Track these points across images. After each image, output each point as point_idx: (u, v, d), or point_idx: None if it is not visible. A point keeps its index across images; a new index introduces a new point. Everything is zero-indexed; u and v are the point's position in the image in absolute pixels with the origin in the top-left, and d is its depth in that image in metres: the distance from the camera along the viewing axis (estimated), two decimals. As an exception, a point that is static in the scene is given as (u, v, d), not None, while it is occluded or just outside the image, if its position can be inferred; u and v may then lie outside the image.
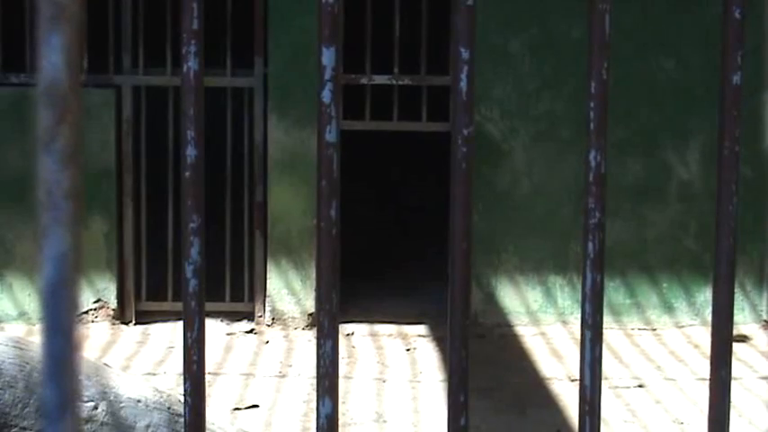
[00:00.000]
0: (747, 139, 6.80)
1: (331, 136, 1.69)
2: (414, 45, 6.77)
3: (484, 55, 6.77)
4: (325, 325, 1.73)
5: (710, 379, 1.76)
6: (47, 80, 0.87)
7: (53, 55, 0.85)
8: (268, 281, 6.82)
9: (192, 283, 1.72)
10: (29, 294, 6.82)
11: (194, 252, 1.73)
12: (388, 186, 9.95)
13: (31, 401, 4.13)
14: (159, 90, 6.84)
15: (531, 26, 6.79)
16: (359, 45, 6.73)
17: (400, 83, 6.79)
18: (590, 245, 1.72)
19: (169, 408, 4.43)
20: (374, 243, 8.67)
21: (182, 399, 4.80)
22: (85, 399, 4.15)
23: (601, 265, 1.73)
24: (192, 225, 1.71)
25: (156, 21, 6.94)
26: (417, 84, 6.80)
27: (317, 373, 1.73)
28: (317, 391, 1.73)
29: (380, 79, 6.80)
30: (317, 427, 1.75)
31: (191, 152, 1.70)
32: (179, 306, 6.94)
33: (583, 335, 1.73)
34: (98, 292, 6.82)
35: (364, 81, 6.78)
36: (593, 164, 1.72)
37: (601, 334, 1.73)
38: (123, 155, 6.83)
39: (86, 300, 6.82)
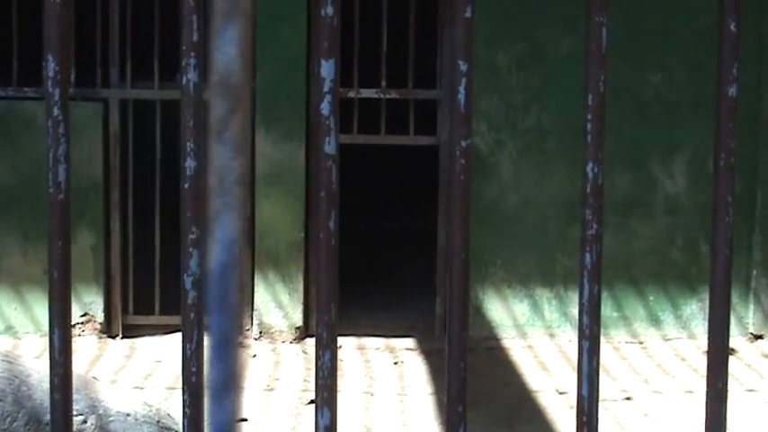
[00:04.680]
0: (736, 154, 6.84)
1: (330, 148, 1.70)
2: (401, 59, 6.78)
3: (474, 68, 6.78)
4: (324, 336, 1.73)
5: (707, 392, 1.77)
6: (221, 71, 0.89)
7: (227, 47, 0.87)
8: (255, 294, 6.82)
9: (191, 294, 1.73)
10: (15, 308, 6.80)
11: (193, 263, 1.73)
12: (373, 199, 9.96)
13: (20, 415, 4.12)
14: (146, 103, 6.83)
15: (518, 40, 6.81)
16: (346, 59, 6.73)
17: (388, 96, 6.80)
18: (587, 256, 1.73)
19: (158, 421, 4.43)
20: (361, 256, 8.68)
21: (170, 412, 4.79)
22: (75, 412, 4.13)
23: (598, 276, 1.74)
24: (191, 236, 1.71)
25: (144, 35, 6.94)
26: (404, 97, 6.81)
27: (316, 384, 1.74)
28: (316, 401, 1.73)
29: (368, 93, 6.81)
30: (315, 439, 1.75)
31: (190, 164, 1.71)
32: (166, 320, 6.95)
33: (580, 346, 1.73)
34: (85, 306, 6.81)
35: (352, 95, 6.79)
36: (590, 175, 1.72)
37: (598, 345, 1.74)
38: (111, 168, 6.82)
39: (74, 314, 6.80)
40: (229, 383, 0.91)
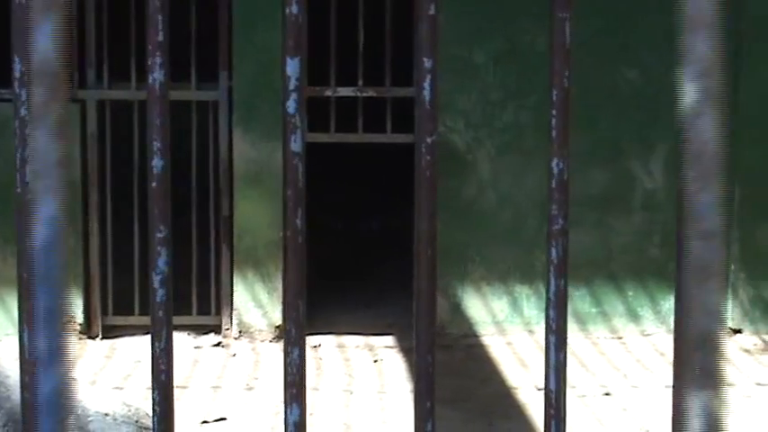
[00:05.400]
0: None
1: (296, 145, 1.71)
2: (378, 57, 6.79)
3: (448, 65, 6.80)
4: (292, 333, 1.74)
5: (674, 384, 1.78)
6: (39, 61, 0.93)
7: (44, 39, 0.92)
8: (235, 294, 6.82)
9: (160, 293, 1.73)
10: (-6, 310, 6.78)
11: (161, 262, 1.74)
12: (353, 199, 9.97)
13: (-2, 415, 4.11)
14: (124, 104, 6.83)
15: (495, 37, 6.83)
16: (323, 57, 6.75)
17: (365, 95, 6.81)
18: (553, 251, 1.74)
19: (137, 421, 4.43)
20: (339, 254, 8.69)
21: (150, 412, 4.78)
22: (53, 413, 4.13)
23: (564, 270, 1.75)
24: (158, 235, 1.72)
25: (120, 35, 6.94)
26: (382, 96, 6.82)
27: (285, 380, 1.75)
28: (285, 398, 1.74)
29: (345, 91, 6.81)
30: (285, 435, 1.76)
31: (157, 162, 1.71)
32: (146, 320, 6.92)
33: (547, 340, 1.75)
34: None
35: (329, 93, 6.79)
36: (555, 171, 1.74)
37: (565, 339, 1.75)
38: (88, 169, 6.82)
39: (52, 315, 6.80)
40: (55, 355, 0.94)
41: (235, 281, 6.81)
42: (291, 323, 1.71)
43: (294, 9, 1.68)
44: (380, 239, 9.06)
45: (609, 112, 6.89)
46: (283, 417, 1.74)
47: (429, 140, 1.71)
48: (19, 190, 1.71)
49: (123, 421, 4.28)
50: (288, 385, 1.72)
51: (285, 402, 1.72)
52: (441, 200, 6.90)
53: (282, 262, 1.72)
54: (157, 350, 1.72)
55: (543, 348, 6.21)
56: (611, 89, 6.88)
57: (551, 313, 1.74)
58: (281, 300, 6.79)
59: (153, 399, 1.73)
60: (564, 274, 1.73)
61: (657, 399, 5.86)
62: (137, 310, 6.81)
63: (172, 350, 1.74)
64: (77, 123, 6.78)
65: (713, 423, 1.39)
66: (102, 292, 6.87)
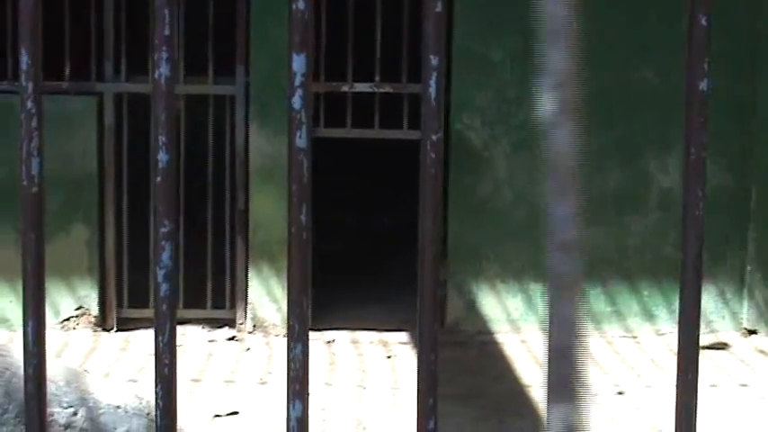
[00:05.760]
0: (730, 149, 6.84)
1: (301, 141, 1.71)
2: (395, 53, 6.79)
3: (465, 63, 6.80)
4: (296, 328, 1.74)
5: (678, 382, 1.78)
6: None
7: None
8: (249, 288, 6.83)
9: (164, 287, 1.74)
10: (10, 301, 6.81)
11: (165, 257, 1.74)
12: (367, 195, 9.97)
13: (11, 407, 4.13)
14: (141, 97, 6.84)
15: (512, 34, 6.81)
16: (340, 53, 6.75)
17: (381, 91, 6.81)
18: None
19: (148, 414, 4.44)
20: (354, 250, 8.69)
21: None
22: (65, 404, 4.15)
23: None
24: (163, 230, 1.73)
25: (139, 29, 6.96)
26: (398, 92, 6.82)
27: (288, 375, 1.75)
28: (287, 393, 1.74)
29: (362, 87, 6.81)
30: (287, 430, 1.76)
31: (162, 157, 1.72)
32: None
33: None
34: (79, 299, 6.82)
35: (345, 89, 6.79)
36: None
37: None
38: (105, 162, 6.84)
39: (67, 307, 6.82)
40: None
41: (249, 275, 6.82)
42: (295, 319, 1.72)
43: (301, 5, 1.68)
44: (395, 235, 9.05)
45: (626, 112, 6.87)
46: (286, 412, 1.74)
47: (434, 138, 1.71)
48: (25, 183, 1.72)
49: (134, 414, 4.30)
50: (291, 381, 1.72)
51: (288, 398, 1.72)
52: (456, 197, 6.90)
53: (288, 257, 1.72)
54: (161, 344, 1.73)
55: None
56: (630, 89, 6.86)
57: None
58: (295, 295, 6.79)
59: (156, 393, 1.74)
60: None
61: (671, 398, 5.84)
62: (152, 303, 6.83)
63: (175, 345, 1.75)
64: (94, 116, 6.79)
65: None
66: (118, 284, 6.89)
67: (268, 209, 6.77)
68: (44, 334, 1.76)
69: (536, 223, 6.89)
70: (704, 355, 6.43)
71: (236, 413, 5.60)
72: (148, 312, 6.86)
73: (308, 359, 1.76)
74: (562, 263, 1.35)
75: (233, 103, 6.85)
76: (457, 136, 6.86)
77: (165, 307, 1.74)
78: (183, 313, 6.68)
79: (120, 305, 6.90)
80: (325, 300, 6.91)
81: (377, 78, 6.80)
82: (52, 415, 4.19)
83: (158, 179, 1.71)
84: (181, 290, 6.69)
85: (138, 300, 6.87)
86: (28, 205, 1.72)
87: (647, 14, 6.85)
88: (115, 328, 6.85)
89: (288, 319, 1.75)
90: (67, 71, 6.75)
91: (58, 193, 6.62)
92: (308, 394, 1.77)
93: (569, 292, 1.35)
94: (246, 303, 6.85)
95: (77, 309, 6.83)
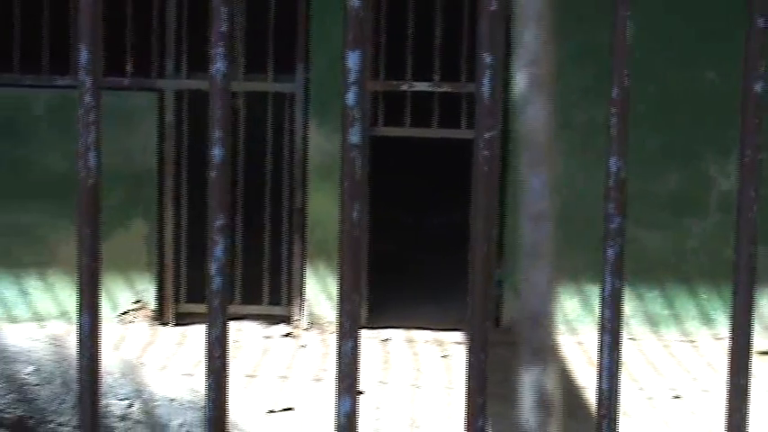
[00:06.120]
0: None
1: (355, 138, 1.71)
2: (455, 53, 6.79)
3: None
4: (346, 325, 1.75)
5: (729, 388, 1.77)
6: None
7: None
8: (306, 285, 6.86)
9: (216, 280, 1.75)
10: (70, 295, 6.89)
11: (219, 250, 1.75)
12: (425, 193, 9.97)
13: (68, 397, 4.18)
14: (201, 94, 6.89)
15: (572, 35, 6.79)
16: (400, 52, 6.76)
17: (440, 90, 6.81)
18: (609, 250, 1.74)
19: (202, 407, 4.48)
20: (411, 250, 8.69)
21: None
22: (121, 397, 4.19)
23: (620, 270, 1.74)
24: (217, 223, 1.74)
25: (200, 26, 7.00)
26: (457, 91, 6.82)
27: (337, 372, 1.76)
28: (337, 390, 1.75)
29: (421, 86, 6.81)
30: (336, 426, 1.77)
31: (217, 152, 1.73)
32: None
33: (601, 340, 1.74)
34: (138, 293, 6.88)
35: (404, 88, 6.80)
36: (613, 169, 1.73)
37: (619, 339, 1.74)
38: (165, 157, 6.89)
39: (126, 300, 6.89)
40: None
41: (306, 272, 6.85)
42: (345, 315, 1.72)
43: (356, 2, 1.69)
44: (451, 234, 9.04)
45: (686, 113, 6.82)
46: (335, 408, 1.75)
47: (487, 136, 1.71)
48: (82, 176, 1.74)
49: (189, 407, 4.33)
50: (340, 377, 1.73)
51: (337, 394, 1.73)
52: (513, 196, 6.88)
53: (340, 253, 1.73)
54: (212, 337, 1.74)
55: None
56: (690, 90, 6.81)
57: (606, 313, 1.73)
58: (351, 292, 6.80)
59: (207, 386, 1.75)
60: (620, 273, 1.72)
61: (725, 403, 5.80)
62: (209, 299, 6.87)
63: (226, 338, 1.76)
64: (155, 112, 6.85)
65: (543, 397, 1.41)
66: (176, 279, 6.94)
67: (326, 207, 6.80)
68: (98, 327, 1.78)
69: (593, 224, 6.85)
70: (762, 360, 6.37)
71: (290, 409, 5.63)
72: (206, 307, 6.90)
73: (357, 356, 1.77)
74: (535, 232, 1.35)
75: (292, 100, 6.88)
76: (516, 134, 6.85)
77: (217, 301, 1.75)
78: (239, 309, 6.73)
79: (177, 300, 6.95)
80: (380, 299, 6.92)
81: (436, 77, 6.80)
82: (108, 406, 4.23)
83: (213, 174, 1.72)
84: (238, 286, 6.73)
85: (196, 295, 6.91)
86: (84, 198, 1.74)
87: (709, 15, 6.80)
88: (173, 323, 6.91)
89: (338, 315, 1.76)
90: (129, 67, 6.81)
91: (118, 189, 6.68)
92: (357, 391, 1.78)
93: (542, 260, 1.35)
94: (303, 300, 6.88)
95: (135, 302, 6.90)
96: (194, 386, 4.62)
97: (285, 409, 5.61)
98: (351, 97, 1.73)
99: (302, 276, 6.87)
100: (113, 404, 4.22)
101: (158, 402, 4.28)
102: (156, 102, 6.87)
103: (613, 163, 1.73)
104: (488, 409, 1.85)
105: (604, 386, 1.78)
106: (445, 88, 6.81)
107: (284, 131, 6.92)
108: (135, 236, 6.82)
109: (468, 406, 1.76)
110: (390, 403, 5.72)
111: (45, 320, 6.86)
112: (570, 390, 6.02)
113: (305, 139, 6.84)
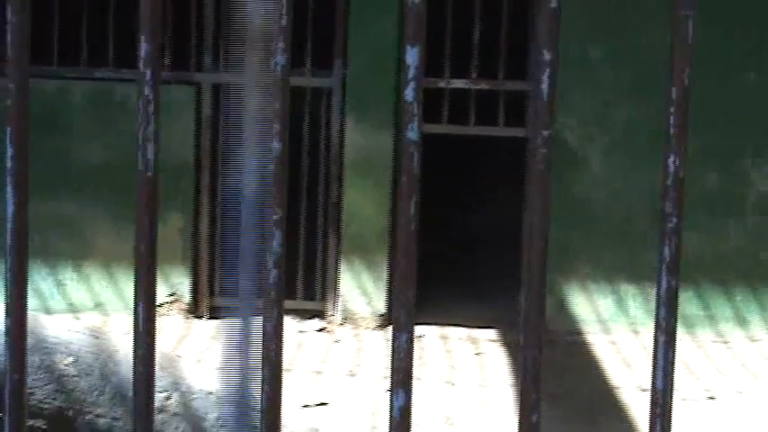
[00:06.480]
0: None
1: (413, 134, 1.72)
2: (493, 50, 6.78)
3: (563, 62, 6.76)
4: (401, 318, 1.76)
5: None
6: None
7: None
8: (340, 280, 6.87)
9: (273, 273, 1.76)
10: (105, 285, 6.92)
11: (276, 244, 1.76)
12: (460, 191, 9.97)
13: (106, 389, 4.20)
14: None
15: (611, 36, 6.77)
16: (438, 49, 6.76)
17: (477, 87, 6.81)
18: (666, 249, 1.73)
19: (239, 401, 4.49)
20: (445, 246, 8.69)
21: (247, 393, 4.85)
22: (159, 389, 4.21)
23: (676, 269, 1.74)
24: (275, 217, 1.75)
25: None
26: (495, 89, 6.81)
27: (392, 365, 1.76)
28: (391, 383, 1.76)
29: (458, 83, 6.81)
30: (390, 419, 1.78)
31: (276, 145, 1.74)
32: (251, 302, 6.93)
33: (656, 339, 1.74)
34: (173, 287, 6.91)
35: (442, 85, 6.80)
36: (671, 168, 1.73)
37: (674, 339, 1.74)
38: (201, 151, 6.92)
39: (161, 293, 6.92)
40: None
41: (341, 268, 6.86)
42: (401, 308, 1.73)
43: (416, -2, 1.69)
44: (486, 233, 9.04)
45: (725, 114, 6.79)
46: (389, 402, 1.76)
47: (545, 134, 1.72)
48: (141, 168, 1.75)
49: (227, 400, 4.34)
50: (395, 371, 1.73)
51: (392, 387, 1.74)
52: (551, 195, 6.87)
53: (393, 249, 1.74)
54: (268, 329, 1.75)
55: (648, 350, 6.17)
56: (729, 92, 6.78)
57: (662, 312, 1.73)
58: (386, 288, 6.82)
59: (262, 377, 1.76)
60: (676, 272, 1.72)
61: (763, 405, 5.78)
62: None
63: (282, 330, 1.77)
64: (192, 106, 6.88)
65: None
66: (210, 273, 6.96)
67: (361, 202, 6.81)
68: (154, 316, 1.80)
69: (630, 224, 6.84)
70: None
71: (325, 404, 5.64)
72: (237, 301, 6.92)
73: (412, 350, 1.78)
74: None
75: (330, 96, 6.90)
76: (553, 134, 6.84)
77: (273, 293, 1.76)
78: (274, 303, 6.74)
79: (212, 293, 6.98)
80: (415, 294, 6.92)
81: (474, 75, 6.80)
82: (147, 398, 4.26)
83: (272, 168, 1.73)
84: (273, 280, 6.76)
85: (229, 288, 6.93)
86: (143, 189, 1.75)
87: (750, 16, 6.77)
88: (207, 316, 6.93)
89: (394, 309, 1.77)
90: (167, 61, 6.83)
91: (155, 181, 6.71)
92: (411, 385, 1.79)
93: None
94: (337, 296, 6.89)
95: (170, 295, 6.92)
96: (233, 381, 4.64)
97: (320, 404, 5.62)
98: (409, 93, 1.73)
99: (336, 271, 6.88)
100: (152, 396, 4.24)
101: (196, 395, 4.30)
102: (193, 95, 6.89)
103: (671, 162, 1.72)
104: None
105: (659, 385, 1.77)
106: (482, 85, 6.81)
107: (321, 126, 6.93)
108: (171, 229, 6.84)
109: (523, 402, 1.77)
110: (424, 400, 5.72)
111: (80, 312, 6.89)
112: (605, 390, 6.01)
113: (341, 134, 6.85)
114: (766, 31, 6.75)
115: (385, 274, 6.84)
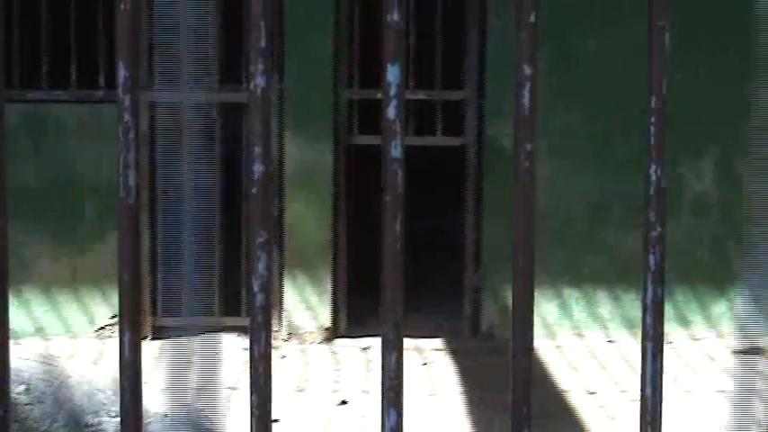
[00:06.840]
0: None
1: (396, 152, 1.72)
2: (428, 61, 6.80)
3: (500, 70, 6.81)
4: (390, 337, 1.75)
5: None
6: None
7: None
8: (284, 295, 6.85)
9: (260, 297, 1.75)
10: (45, 311, 6.84)
11: (261, 267, 1.75)
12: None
13: (60, 416, 4.15)
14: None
15: (545, 42, 6.82)
16: (377, 61, 6.76)
17: (415, 98, 6.83)
18: (651, 257, 1.75)
19: (194, 422, 4.45)
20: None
21: (207, 414, 4.80)
22: (113, 413, 4.17)
23: (662, 277, 1.75)
24: (259, 240, 1.74)
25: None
26: (432, 98, 6.84)
27: (383, 385, 1.76)
28: (382, 403, 1.75)
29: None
30: (382, 439, 1.77)
31: (258, 168, 1.73)
32: (193, 321, 6.93)
33: (644, 347, 1.75)
34: (114, 308, 6.84)
35: (380, 96, 6.80)
36: (653, 177, 1.75)
37: (662, 346, 1.76)
38: (139, 169, 6.85)
39: (104, 315, 6.84)
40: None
41: (284, 282, 6.83)
42: (389, 328, 1.73)
43: (395, 16, 1.69)
44: (427, 241, 9.06)
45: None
46: (381, 422, 1.75)
47: (528, 147, 1.72)
48: (122, 195, 1.74)
49: (182, 422, 4.31)
50: (386, 390, 1.73)
51: (383, 407, 1.73)
52: (490, 202, 6.90)
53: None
54: (257, 354, 1.74)
55: (593, 353, 6.18)
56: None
57: (648, 320, 1.74)
58: (330, 302, 6.80)
59: (251, 402, 1.75)
60: (661, 280, 1.74)
61: (708, 403, 5.84)
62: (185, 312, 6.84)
63: (270, 354, 1.76)
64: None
65: None
66: (152, 293, 6.90)
67: (302, 216, 6.79)
68: (140, 346, 1.78)
69: (571, 229, 6.89)
70: (738, 359, 6.43)
71: (276, 421, 5.61)
72: (181, 321, 6.88)
73: (402, 368, 1.77)
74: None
75: (266, 110, 6.86)
76: (492, 141, 6.87)
77: (260, 317, 1.75)
78: (218, 321, 6.70)
79: (154, 313, 6.91)
80: (359, 307, 6.91)
81: (411, 85, 6.82)
82: (101, 424, 4.21)
83: (254, 190, 1.72)
84: (216, 298, 6.71)
85: (172, 308, 6.88)
86: (125, 217, 1.73)
87: (677, 15, 6.85)
88: (149, 337, 6.87)
89: (382, 328, 1.76)
90: (102, 80, 6.77)
91: (92, 202, 6.64)
92: (402, 403, 1.78)
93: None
94: (281, 311, 6.86)
95: (112, 317, 6.85)
96: (185, 402, 4.60)
97: (270, 421, 5.58)
98: (391, 111, 1.73)
99: (280, 286, 6.86)
100: (106, 421, 4.20)
101: (151, 419, 4.26)
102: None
103: (653, 171, 1.74)
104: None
105: (647, 393, 1.78)
106: (420, 96, 6.83)
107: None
108: (111, 249, 6.78)
109: (515, 416, 1.77)
110: (375, 412, 5.71)
111: (20, 338, 6.79)
112: (554, 394, 6.04)
113: (281, 148, 6.83)
114: (692, 30, 6.83)
115: (329, 287, 6.82)
